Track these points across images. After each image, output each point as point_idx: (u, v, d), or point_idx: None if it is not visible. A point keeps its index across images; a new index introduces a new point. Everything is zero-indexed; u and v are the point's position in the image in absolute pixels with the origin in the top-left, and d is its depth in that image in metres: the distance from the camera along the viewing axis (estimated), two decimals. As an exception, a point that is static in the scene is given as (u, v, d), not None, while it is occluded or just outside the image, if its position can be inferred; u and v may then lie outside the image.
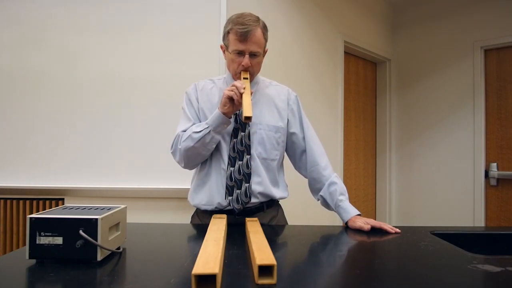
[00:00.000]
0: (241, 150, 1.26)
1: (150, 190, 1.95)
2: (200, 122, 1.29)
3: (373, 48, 3.22)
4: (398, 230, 1.16)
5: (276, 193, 1.32)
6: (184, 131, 1.27)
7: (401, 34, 3.44)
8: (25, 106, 1.99)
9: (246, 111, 1.12)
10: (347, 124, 3.06)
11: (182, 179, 1.82)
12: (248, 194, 1.24)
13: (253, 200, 1.26)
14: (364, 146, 3.34)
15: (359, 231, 1.17)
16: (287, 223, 1.40)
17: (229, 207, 1.25)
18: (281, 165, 1.39)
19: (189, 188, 1.36)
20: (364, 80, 3.36)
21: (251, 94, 1.21)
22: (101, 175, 1.96)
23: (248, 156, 1.26)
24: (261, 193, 1.27)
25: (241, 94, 1.15)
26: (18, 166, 1.97)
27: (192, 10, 2.01)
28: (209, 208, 1.27)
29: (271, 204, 1.35)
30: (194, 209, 1.39)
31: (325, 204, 1.34)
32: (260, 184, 1.27)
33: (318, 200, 1.37)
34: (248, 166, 1.25)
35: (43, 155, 1.97)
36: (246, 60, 1.24)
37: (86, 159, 1.97)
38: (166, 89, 1.98)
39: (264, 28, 1.28)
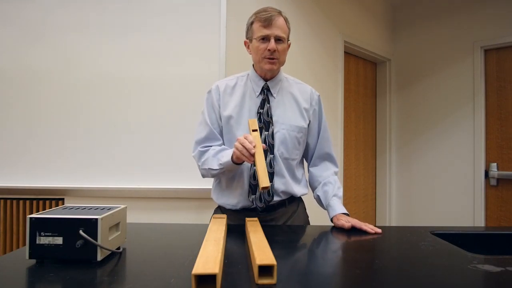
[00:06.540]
0: (264, 149, 1.26)
1: (150, 190, 1.94)
2: (219, 127, 1.31)
3: (373, 48, 3.22)
4: (379, 230, 1.16)
5: (298, 190, 1.34)
6: (201, 143, 1.29)
7: (401, 34, 3.44)
8: (25, 106, 1.99)
9: (263, 181, 1.04)
10: (347, 124, 3.06)
11: (182, 179, 1.82)
12: (271, 193, 1.26)
13: (276, 198, 1.28)
14: (364, 146, 3.34)
15: (359, 232, 1.17)
16: (307, 217, 1.42)
17: (252, 205, 1.27)
18: (300, 161, 1.40)
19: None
20: (364, 80, 3.36)
21: (278, 91, 1.17)
22: (101, 175, 1.96)
23: (271, 156, 1.26)
24: (283, 192, 1.29)
25: (252, 154, 1.10)
26: (18, 166, 1.97)
27: (192, 10, 2.01)
28: (234, 208, 1.30)
29: (293, 199, 1.36)
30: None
31: (320, 202, 1.37)
32: (283, 183, 1.29)
33: (316, 197, 1.40)
34: (271, 165, 1.26)
35: (43, 155, 1.97)
36: (272, 44, 1.23)
37: (86, 159, 1.97)
38: (166, 89, 1.98)
39: (286, 19, 1.29)
